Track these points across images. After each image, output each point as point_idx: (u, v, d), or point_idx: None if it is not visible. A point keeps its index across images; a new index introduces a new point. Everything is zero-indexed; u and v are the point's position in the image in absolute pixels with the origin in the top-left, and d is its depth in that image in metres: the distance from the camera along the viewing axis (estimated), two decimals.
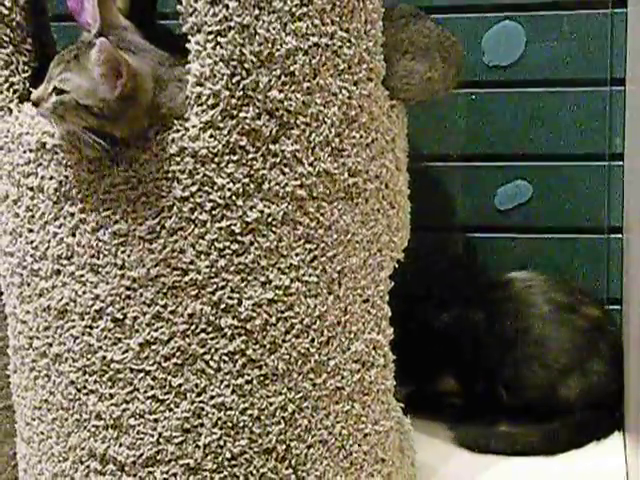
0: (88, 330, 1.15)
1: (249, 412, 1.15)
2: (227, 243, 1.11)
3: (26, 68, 1.22)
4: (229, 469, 1.16)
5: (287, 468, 1.17)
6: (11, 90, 1.20)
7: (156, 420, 1.15)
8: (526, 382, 1.56)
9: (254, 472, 1.16)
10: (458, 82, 1.41)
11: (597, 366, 1.56)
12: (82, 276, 1.14)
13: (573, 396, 1.54)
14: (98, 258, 1.13)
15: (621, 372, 1.57)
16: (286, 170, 1.11)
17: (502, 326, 1.59)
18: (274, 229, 1.12)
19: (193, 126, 1.09)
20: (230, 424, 1.15)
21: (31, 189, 1.16)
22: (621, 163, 1.70)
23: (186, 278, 1.12)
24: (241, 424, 1.15)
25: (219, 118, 1.08)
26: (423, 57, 1.29)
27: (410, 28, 1.29)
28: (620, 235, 1.72)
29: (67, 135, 1.11)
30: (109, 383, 1.16)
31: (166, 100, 1.09)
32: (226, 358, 1.14)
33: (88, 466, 1.19)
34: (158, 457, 1.16)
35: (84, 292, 1.14)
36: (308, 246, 1.14)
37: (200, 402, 1.14)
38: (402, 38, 1.26)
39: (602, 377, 1.55)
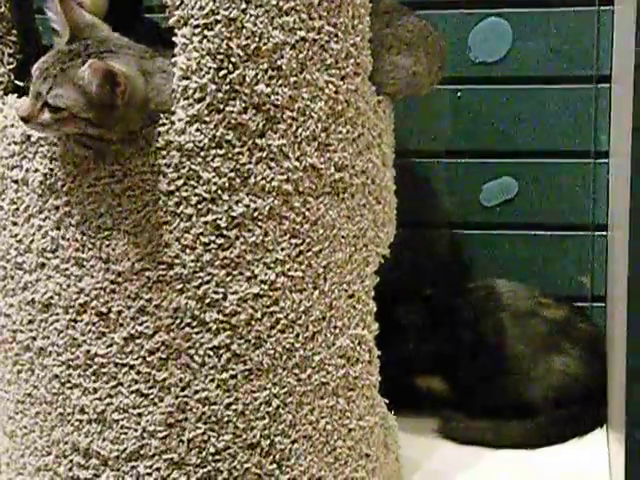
0: (72, 324, 1.15)
1: (233, 407, 1.15)
2: (212, 237, 1.11)
3: (11, 60, 1.21)
4: (213, 464, 1.15)
5: (271, 463, 1.17)
6: None
7: (140, 414, 1.15)
8: (492, 389, 1.57)
9: (238, 467, 1.16)
10: (444, 78, 1.41)
11: (562, 366, 1.56)
12: (66, 269, 1.14)
13: (540, 398, 1.55)
14: (83, 252, 1.13)
15: (594, 367, 1.58)
16: (272, 164, 1.11)
17: (462, 333, 1.60)
18: (260, 224, 1.12)
19: (179, 120, 1.08)
20: (214, 419, 1.15)
21: (16, 182, 1.15)
22: (607, 160, 1.70)
23: (171, 272, 1.11)
24: (225, 419, 1.15)
25: (205, 112, 1.08)
26: (408, 52, 1.29)
27: (394, 23, 1.29)
28: (605, 233, 1.73)
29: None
30: (93, 377, 1.15)
31: (153, 94, 1.08)
32: (211, 353, 1.13)
33: (71, 460, 1.18)
34: (142, 452, 1.16)
35: (68, 286, 1.14)
36: (294, 241, 1.14)
37: (184, 397, 1.14)
38: (387, 33, 1.26)
39: (570, 376, 1.56)
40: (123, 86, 1.02)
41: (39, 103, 1.05)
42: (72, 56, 1.06)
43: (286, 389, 1.17)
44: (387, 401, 1.32)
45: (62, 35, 1.09)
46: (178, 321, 1.12)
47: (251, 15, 1.07)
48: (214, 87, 1.08)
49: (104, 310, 1.13)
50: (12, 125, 1.14)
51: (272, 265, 1.13)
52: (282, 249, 1.14)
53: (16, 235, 1.16)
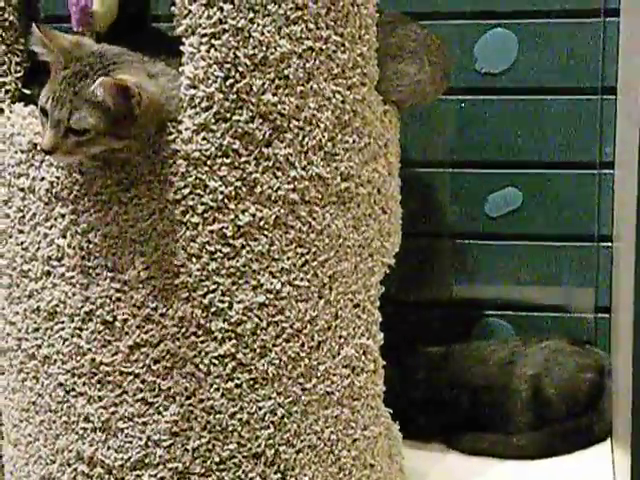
0: (78, 332, 1.15)
1: (238, 416, 1.15)
2: (218, 246, 1.11)
3: (18, 68, 1.21)
4: (217, 473, 1.15)
5: (276, 473, 1.17)
6: (3, 90, 1.20)
7: (145, 423, 1.15)
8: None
9: (243, 476, 1.16)
10: (450, 88, 1.42)
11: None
12: (72, 278, 1.14)
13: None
14: (89, 260, 1.13)
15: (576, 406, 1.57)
16: (279, 174, 1.11)
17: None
18: (266, 233, 1.12)
19: (186, 129, 1.08)
20: (219, 428, 1.14)
21: (22, 190, 1.15)
22: (612, 171, 1.70)
23: (177, 281, 1.11)
24: (230, 428, 1.15)
25: (212, 121, 1.08)
26: (412, 60, 1.30)
27: (398, 32, 1.30)
28: (610, 243, 1.72)
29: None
30: (98, 385, 1.15)
31: (163, 97, 1.08)
32: (216, 362, 1.13)
33: (75, 469, 1.18)
34: (146, 461, 1.15)
35: (74, 294, 1.14)
36: (300, 250, 1.14)
37: (189, 405, 1.14)
38: (391, 42, 1.27)
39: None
40: (137, 96, 1.03)
41: (61, 131, 1.05)
42: (80, 77, 1.06)
43: (291, 398, 1.16)
44: (391, 411, 1.32)
45: (55, 64, 1.09)
46: (184, 330, 1.12)
47: (258, 24, 1.08)
48: (221, 96, 1.08)
49: (109, 318, 1.13)
50: (19, 133, 1.15)
51: (278, 274, 1.13)
52: (288, 258, 1.14)
53: (22, 243, 1.16)
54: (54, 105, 1.05)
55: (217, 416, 1.14)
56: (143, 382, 1.14)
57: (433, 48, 1.34)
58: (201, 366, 1.13)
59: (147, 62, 1.11)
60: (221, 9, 1.06)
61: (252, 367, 1.14)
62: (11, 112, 1.18)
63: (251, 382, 1.14)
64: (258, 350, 1.14)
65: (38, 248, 1.15)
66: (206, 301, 1.12)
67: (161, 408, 1.14)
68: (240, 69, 1.08)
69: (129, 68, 1.07)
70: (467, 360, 1.62)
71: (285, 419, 1.16)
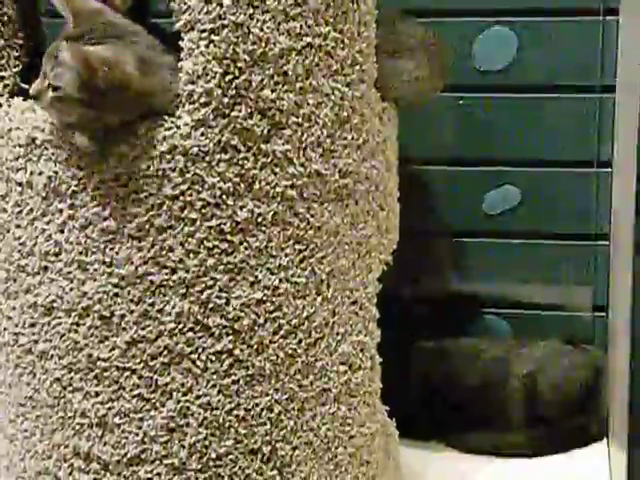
0: (75, 327, 1.14)
1: (235, 412, 1.15)
2: (216, 242, 1.11)
3: (17, 63, 1.21)
4: (214, 469, 1.15)
5: (272, 469, 1.17)
6: (1, 84, 1.20)
7: (141, 419, 1.15)
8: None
9: (239, 473, 1.16)
10: (448, 85, 1.41)
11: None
12: (70, 273, 1.14)
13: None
14: (86, 255, 1.13)
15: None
16: (277, 170, 1.11)
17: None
18: (264, 229, 1.12)
19: (185, 124, 1.08)
20: (216, 424, 1.14)
21: (20, 184, 1.15)
22: (609, 170, 1.70)
23: (174, 277, 1.11)
24: (227, 424, 1.15)
25: (211, 116, 1.08)
26: (410, 56, 1.30)
27: (395, 29, 1.30)
28: (607, 242, 1.72)
29: (62, 130, 1.11)
30: (95, 381, 1.15)
31: (157, 87, 1.08)
32: (213, 358, 1.13)
33: (72, 464, 1.18)
34: (143, 456, 1.15)
35: (71, 289, 1.14)
36: (297, 247, 1.14)
37: (186, 401, 1.14)
38: (388, 39, 1.27)
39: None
40: (101, 72, 1.03)
41: (45, 82, 1.08)
42: (75, 38, 1.07)
43: (288, 395, 1.16)
44: (387, 408, 1.32)
45: (68, 22, 1.10)
46: (181, 326, 1.12)
47: (258, 20, 1.07)
48: (220, 92, 1.08)
49: (107, 314, 1.13)
50: (17, 128, 1.14)
51: (275, 271, 1.13)
52: (286, 255, 1.13)
53: (19, 238, 1.16)
54: (47, 57, 1.08)
55: (214, 412, 1.14)
56: (140, 378, 1.14)
57: (431, 45, 1.34)
58: (198, 362, 1.13)
59: (156, 51, 1.11)
60: (220, 4, 1.06)
61: (249, 363, 1.14)
62: (9, 106, 1.18)
63: (248, 378, 1.14)
64: (255, 346, 1.14)
65: (35, 243, 1.15)
66: (203, 297, 1.11)
67: (158, 404, 1.14)
68: (239, 65, 1.07)
69: (121, 46, 1.08)
70: (461, 357, 1.62)
71: (282, 416, 1.16)
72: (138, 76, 1.07)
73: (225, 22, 1.07)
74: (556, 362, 1.58)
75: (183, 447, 1.15)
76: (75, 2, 1.10)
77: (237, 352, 1.13)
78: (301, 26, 1.10)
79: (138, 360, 1.13)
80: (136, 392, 1.14)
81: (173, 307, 1.12)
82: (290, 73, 1.10)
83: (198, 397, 1.14)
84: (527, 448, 1.51)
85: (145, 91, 1.08)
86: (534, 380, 1.55)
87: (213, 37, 1.07)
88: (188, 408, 1.14)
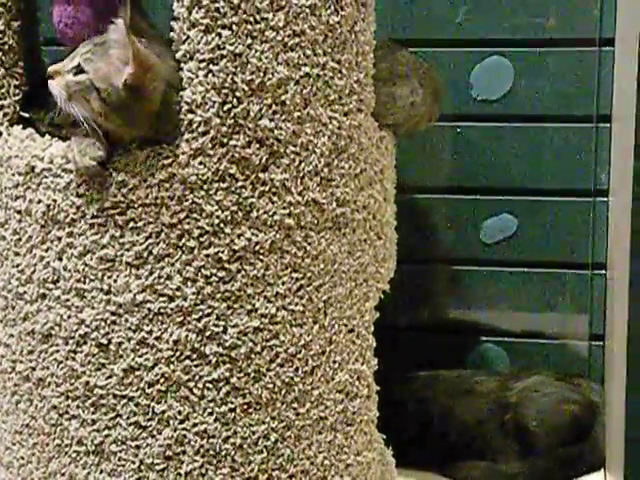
0: (72, 355, 1.15)
1: (232, 440, 1.15)
2: (214, 270, 1.11)
3: (17, 91, 1.22)
4: None
5: None
6: (1, 113, 1.21)
7: (138, 447, 1.15)
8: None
9: None
10: (445, 115, 1.42)
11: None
12: (67, 300, 1.14)
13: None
14: (84, 283, 1.13)
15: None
16: (275, 199, 1.12)
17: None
18: (261, 257, 1.12)
19: (183, 153, 1.09)
20: (212, 452, 1.14)
21: (19, 212, 1.16)
22: (606, 199, 1.71)
23: (172, 304, 1.12)
24: (223, 452, 1.15)
25: (209, 145, 1.09)
26: (404, 82, 1.31)
27: (388, 57, 1.31)
28: (604, 271, 1.73)
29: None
30: (92, 409, 1.15)
31: (175, 115, 1.09)
32: (210, 385, 1.13)
33: None
34: None
35: (69, 316, 1.14)
36: (295, 275, 1.14)
37: (183, 429, 1.14)
38: (382, 67, 1.28)
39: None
40: (133, 67, 1.04)
41: (71, 64, 1.09)
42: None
43: (284, 423, 1.16)
44: (384, 437, 1.32)
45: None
46: (178, 353, 1.12)
47: (256, 50, 1.08)
48: (218, 121, 1.08)
49: (104, 341, 1.13)
50: (17, 156, 1.15)
51: (273, 299, 1.13)
52: (283, 283, 1.14)
53: (18, 265, 1.17)
54: (84, 44, 1.10)
55: (210, 440, 1.14)
56: (137, 405, 1.14)
57: (423, 72, 1.36)
58: (195, 390, 1.13)
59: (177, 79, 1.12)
60: (219, 35, 1.07)
61: (246, 391, 1.14)
62: (9, 135, 1.19)
63: (245, 406, 1.14)
64: (252, 374, 1.14)
65: (34, 270, 1.15)
66: (201, 325, 1.12)
67: (154, 432, 1.14)
68: (237, 94, 1.08)
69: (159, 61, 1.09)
70: (455, 391, 1.63)
71: (278, 444, 1.16)
72: (161, 97, 1.08)
73: (224, 52, 1.08)
74: (545, 395, 1.59)
75: (179, 475, 1.14)
76: (135, 19, 1.09)
77: (234, 380, 1.13)
78: (299, 56, 1.11)
79: (135, 388, 1.13)
80: (133, 420, 1.14)
81: (170, 335, 1.12)
82: (288, 102, 1.11)
83: (195, 425, 1.14)
84: (521, 478, 1.51)
85: (162, 117, 1.09)
86: (523, 413, 1.56)
87: (212, 67, 1.08)
88: (185, 436, 1.14)
